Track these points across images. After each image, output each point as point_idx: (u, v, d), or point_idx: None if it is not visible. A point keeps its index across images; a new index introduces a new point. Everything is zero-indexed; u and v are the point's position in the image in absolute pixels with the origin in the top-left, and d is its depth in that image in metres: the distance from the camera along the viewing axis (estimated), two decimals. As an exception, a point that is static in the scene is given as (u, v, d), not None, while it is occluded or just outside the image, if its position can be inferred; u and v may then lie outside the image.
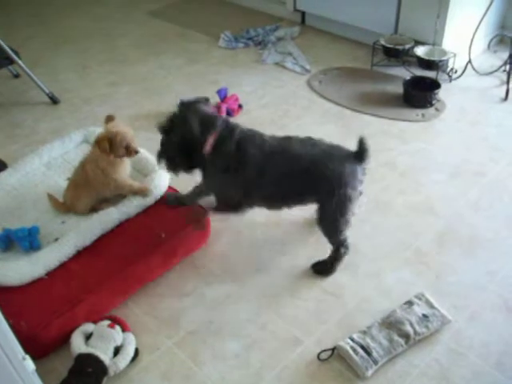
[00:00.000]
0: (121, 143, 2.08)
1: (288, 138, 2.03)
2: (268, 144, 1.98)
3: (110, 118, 2.18)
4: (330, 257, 2.13)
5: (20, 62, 3.23)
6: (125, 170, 2.19)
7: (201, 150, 1.93)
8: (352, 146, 2.69)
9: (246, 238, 2.32)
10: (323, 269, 2.14)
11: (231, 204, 2.13)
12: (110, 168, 2.13)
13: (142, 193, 2.19)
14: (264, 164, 1.95)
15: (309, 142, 2.01)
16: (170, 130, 1.96)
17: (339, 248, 2.09)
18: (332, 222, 2.03)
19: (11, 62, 3.25)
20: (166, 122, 1.97)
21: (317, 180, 1.95)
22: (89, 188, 2.15)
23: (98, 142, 2.07)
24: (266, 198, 2.08)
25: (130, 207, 2.15)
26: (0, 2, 4.86)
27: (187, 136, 1.92)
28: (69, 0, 4.87)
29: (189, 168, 2.04)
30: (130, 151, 2.12)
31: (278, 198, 2.07)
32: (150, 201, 2.20)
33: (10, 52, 3.17)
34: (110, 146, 2.06)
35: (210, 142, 1.93)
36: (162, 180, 2.27)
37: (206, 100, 2.06)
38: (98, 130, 2.54)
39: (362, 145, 1.95)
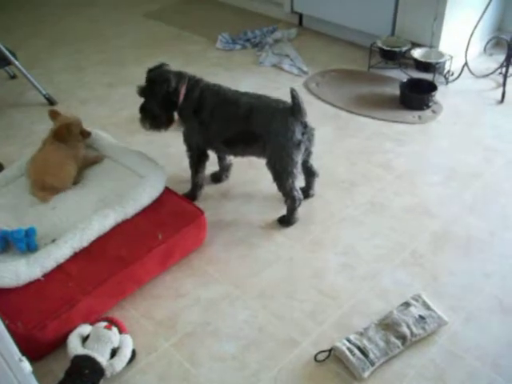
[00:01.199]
0: (76, 130, 2.38)
1: (244, 93, 2.29)
2: (223, 94, 2.26)
3: (55, 113, 2.44)
4: (286, 210, 2.35)
5: (17, 63, 3.23)
6: (83, 146, 2.46)
7: (177, 101, 2.25)
8: (348, 147, 2.70)
9: (242, 239, 2.32)
10: (282, 220, 2.38)
11: (196, 149, 2.39)
12: (75, 146, 2.40)
13: (96, 161, 2.46)
14: (214, 108, 2.24)
15: (257, 95, 2.26)
16: (149, 91, 2.26)
17: (286, 200, 2.31)
18: (273, 167, 2.24)
19: (8, 63, 3.25)
20: (145, 85, 2.28)
21: (253, 127, 2.20)
22: (69, 159, 2.33)
23: (57, 133, 2.34)
24: (221, 141, 2.31)
25: (127, 208, 2.15)
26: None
27: (168, 89, 2.22)
28: (65, 1, 4.87)
29: (168, 122, 2.33)
30: (85, 134, 2.45)
31: (230, 142, 2.30)
32: (146, 202, 2.20)
33: (7, 53, 3.17)
34: (69, 134, 2.35)
35: (182, 92, 2.25)
36: (159, 181, 2.27)
37: (166, 65, 2.38)
38: (96, 132, 2.55)
39: (293, 97, 2.12)
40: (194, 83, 2.28)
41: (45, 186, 2.27)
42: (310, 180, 2.47)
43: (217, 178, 2.62)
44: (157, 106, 2.26)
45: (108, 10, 4.69)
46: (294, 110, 2.14)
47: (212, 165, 2.54)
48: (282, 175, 2.23)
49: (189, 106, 2.26)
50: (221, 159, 2.57)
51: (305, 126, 2.18)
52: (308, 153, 2.31)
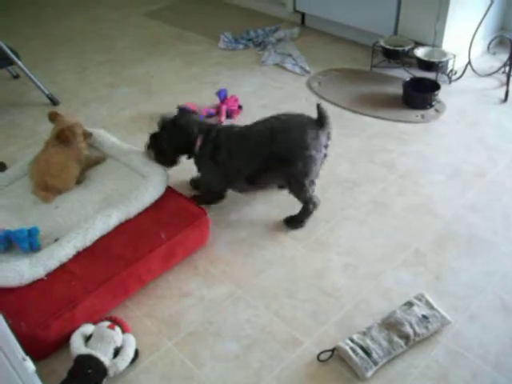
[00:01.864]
0: (78, 131, 2.38)
1: (254, 123, 2.28)
2: (235, 131, 2.27)
3: (55, 114, 2.44)
4: (299, 212, 2.34)
5: (20, 62, 3.23)
6: (86, 147, 2.44)
7: (191, 149, 2.26)
8: (351, 146, 2.70)
9: (245, 239, 2.32)
10: (293, 222, 2.36)
11: (216, 191, 2.40)
12: (81, 149, 2.40)
13: (98, 162, 2.46)
14: (231, 146, 2.23)
15: (271, 117, 2.24)
16: (169, 132, 2.25)
17: (307, 204, 2.30)
18: (298, 182, 2.23)
19: (11, 62, 3.25)
20: (168, 121, 2.27)
21: (280, 148, 2.16)
22: (69, 169, 2.32)
23: (60, 135, 2.33)
24: (244, 178, 2.27)
25: (130, 208, 2.15)
26: (0, 3, 4.87)
27: (185, 137, 2.24)
28: (68, 2, 4.88)
29: (174, 163, 2.35)
30: (86, 135, 2.44)
31: (253, 175, 2.26)
32: (149, 201, 2.20)
33: (10, 53, 3.17)
34: (72, 136, 2.34)
35: (198, 142, 2.25)
36: (161, 180, 2.27)
37: (196, 113, 2.44)
38: (98, 131, 2.55)
39: (320, 111, 2.17)
40: (208, 131, 2.26)
41: (47, 187, 2.27)
42: None
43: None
44: (169, 147, 2.27)
45: (110, 10, 4.69)
46: (323, 122, 2.17)
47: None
48: (306, 187, 2.24)
49: (205, 152, 2.26)
50: None
51: (329, 137, 2.25)
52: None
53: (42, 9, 4.77)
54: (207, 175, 2.36)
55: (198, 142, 2.25)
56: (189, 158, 2.33)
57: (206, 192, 2.43)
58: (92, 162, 2.45)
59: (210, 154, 2.25)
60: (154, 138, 2.31)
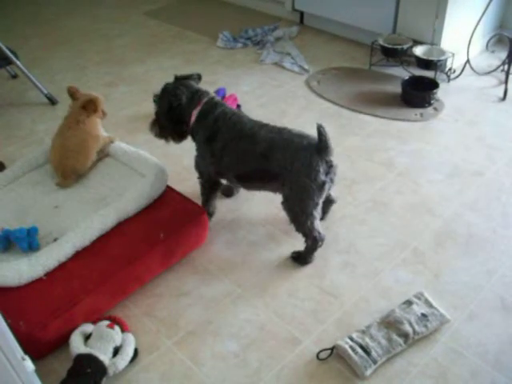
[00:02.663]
0: (100, 106, 2.47)
1: (263, 125, 2.10)
2: (240, 126, 2.08)
3: (74, 89, 2.48)
4: (304, 248, 2.18)
5: (18, 62, 3.23)
6: (101, 128, 2.51)
7: (185, 120, 2.15)
8: (350, 145, 2.70)
9: (243, 238, 2.32)
10: (298, 258, 2.20)
11: (207, 178, 2.27)
12: (97, 124, 2.46)
13: (111, 141, 2.49)
14: (229, 141, 2.08)
15: (278, 129, 2.07)
16: (161, 99, 2.17)
17: (306, 240, 2.14)
18: (290, 210, 2.08)
19: (9, 62, 3.25)
20: (160, 92, 2.19)
21: (272, 165, 2.02)
22: (88, 144, 2.38)
23: (87, 104, 2.40)
24: (234, 175, 2.16)
25: (129, 207, 2.15)
26: (-2, 2, 4.88)
27: (175, 105, 2.12)
28: (67, 1, 4.88)
29: (178, 137, 2.24)
30: (103, 113, 2.52)
31: (243, 176, 2.15)
32: (148, 200, 2.20)
33: (9, 53, 3.17)
34: (96, 108, 2.44)
35: (194, 114, 2.12)
36: (160, 180, 2.27)
37: (199, 76, 2.25)
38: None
39: (319, 134, 1.94)
40: (210, 108, 2.12)
41: (66, 170, 2.33)
42: (326, 206, 2.29)
43: (228, 192, 2.53)
44: (164, 118, 2.19)
45: (109, 9, 4.69)
46: (321, 147, 1.95)
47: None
48: (300, 217, 2.06)
49: (201, 132, 2.14)
50: None
51: (330, 165, 2.01)
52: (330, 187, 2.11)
53: (41, 8, 4.77)
54: (199, 157, 2.24)
55: (193, 116, 2.13)
56: (186, 130, 2.21)
57: (198, 176, 2.30)
58: (107, 140, 2.48)
59: (206, 138, 2.12)
60: (155, 113, 2.24)
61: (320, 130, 1.93)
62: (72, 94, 2.47)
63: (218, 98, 2.18)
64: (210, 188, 2.31)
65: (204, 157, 2.19)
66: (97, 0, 4.88)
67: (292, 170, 1.98)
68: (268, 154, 2.01)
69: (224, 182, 2.33)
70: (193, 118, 2.14)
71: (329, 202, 2.31)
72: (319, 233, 2.11)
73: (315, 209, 2.04)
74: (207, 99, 2.14)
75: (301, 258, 2.19)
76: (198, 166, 2.27)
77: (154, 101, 2.23)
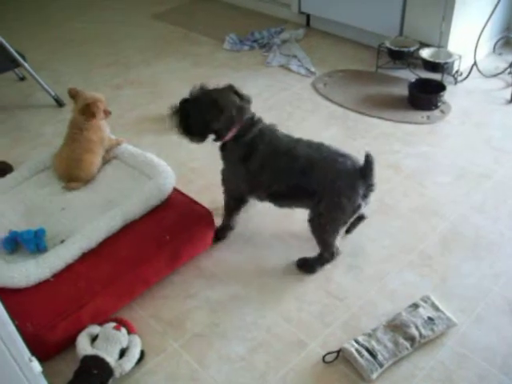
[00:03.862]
0: (101, 108, 2.43)
1: (298, 140, 2.08)
2: (276, 142, 2.04)
3: (75, 91, 2.47)
4: (314, 257, 2.16)
5: (26, 64, 3.24)
6: (106, 127, 2.51)
7: (222, 136, 2.04)
8: (356, 148, 2.70)
9: (250, 240, 2.32)
10: (304, 266, 2.18)
11: (236, 196, 2.22)
12: (100, 126, 2.45)
13: (118, 143, 2.52)
14: (266, 158, 2.03)
15: (315, 145, 2.05)
16: (198, 105, 2.01)
17: (324, 253, 2.13)
18: (321, 227, 2.06)
19: (17, 65, 3.26)
20: (200, 96, 2.01)
21: (311, 183, 1.99)
22: (92, 150, 2.39)
23: (86, 109, 2.39)
24: (268, 193, 2.12)
25: (136, 209, 2.15)
26: (7, 6, 4.90)
27: (216, 120, 1.98)
28: (74, 3, 4.90)
29: (204, 138, 2.08)
30: (107, 112, 2.49)
31: (278, 194, 2.10)
32: (155, 203, 2.20)
33: (17, 55, 3.18)
34: (97, 111, 2.40)
35: (234, 131, 2.03)
36: (167, 182, 2.27)
37: (232, 88, 2.07)
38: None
39: (367, 162, 1.96)
40: (250, 126, 2.04)
41: (72, 179, 2.35)
42: (356, 221, 2.25)
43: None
44: (197, 123, 2.03)
45: (116, 11, 4.70)
46: (366, 174, 1.96)
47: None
48: (328, 233, 2.06)
49: (236, 150, 2.06)
50: None
51: (370, 189, 2.01)
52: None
53: (48, 11, 4.79)
54: (231, 174, 2.17)
55: (232, 132, 2.03)
56: (216, 140, 2.09)
57: (225, 192, 2.25)
58: (114, 143, 2.50)
59: (242, 156, 2.05)
60: (183, 104, 2.05)
61: (368, 159, 1.95)
62: (73, 96, 2.47)
63: (256, 116, 2.08)
64: (236, 205, 2.26)
65: (237, 175, 2.12)
66: (104, 3, 4.90)
67: (333, 189, 1.96)
68: (308, 171, 1.98)
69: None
70: (230, 135, 2.04)
71: (359, 218, 2.25)
72: (337, 248, 2.13)
73: (343, 227, 2.08)
74: (249, 116, 2.05)
75: (308, 266, 2.17)
76: (227, 182, 2.21)
77: (181, 103, 2.05)
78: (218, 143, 2.11)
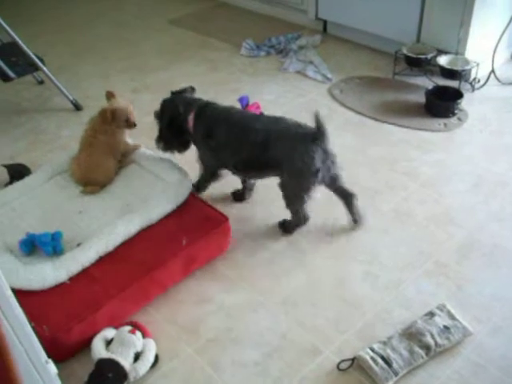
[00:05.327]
0: (120, 117, 2.42)
1: (257, 117, 2.29)
2: (234, 119, 2.24)
3: (111, 94, 2.49)
4: (289, 220, 2.34)
5: (45, 68, 3.27)
6: (125, 134, 2.52)
7: (186, 127, 2.30)
8: (372, 155, 2.69)
9: (265, 245, 2.32)
10: (282, 226, 2.38)
11: (212, 171, 2.42)
12: (117, 131, 2.46)
13: (136, 148, 2.56)
14: (225, 134, 2.23)
15: (274, 119, 2.22)
16: (162, 114, 2.34)
17: (293, 217, 2.30)
18: (286, 193, 2.22)
19: (36, 68, 3.29)
20: (160, 108, 2.36)
21: (271, 154, 2.14)
22: (109, 155, 2.42)
23: (101, 114, 2.40)
24: (235, 165, 2.29)
25: (152, 214, 2.16)
26: (26, 12, 4.96)
27: (175, 115, 2.28)
28: (93, 9, 4.94)
29: (181, 146, 2.41)
30: (130, 124, 2.47)
31: (243, 166, 2.28)
32: (171, 207, 2.21)
33: (36, 59, 3.21)
34: (112, 118, 2.39)
35: (191, 118, 2.28)
36: (184, 187, 2.28)
37: (192, 89, 2.42)
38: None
39: (316, 121, 2.05)
40: (203, 109, 2.28)
41: (89, 183, 2.38)
42: (349, 203, 2.31)
43: (239, 196, 2.57)
44: (167, 131, 2.35)
45: (135, 17, 4.74)
46: (317, 135, 2.07)
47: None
48: (292, 199, 2.23)
49: (199, 132, 2.29)
50: (244, 181, 2.52)
51: (325, 152, 2.11)
52: (334, 178, 2.22)
53: (68, 16, 4.84)
54: (202, 154, 2.39)
55: (190, 121, 2.28)
56: (189, 135, 2.35)
57: (204, 170, 2.45)
58: (131, 148, 2.54)
59: (205, 135, 2.28)
60: (159, 130, 2.40)
61: (317, 117, 2.04)
62: (108, 98, 2.49)
63: (208, 100, 2.34)
64: (212, 178, 2.46)
65: (205, 152, 2.35)
66: (122, 8, 4.94)
67: (289, 157, 2.11)
68: (267, 143, 2.14)
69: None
70: (190, 124, 2.29)
71: (348, 197, 2.31)
72: (304, 215, 2.27)
73: (307, 194, 2.18)
74: (199, 103, 2.31)
75: (285, 227, 2.36)
76: (203, 160, 2.42)
77: (156, 117, 2.38)
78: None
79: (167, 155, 2.48)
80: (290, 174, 2.15)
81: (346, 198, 2.31)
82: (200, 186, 2.49)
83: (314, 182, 2.14)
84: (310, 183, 2.14)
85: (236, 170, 2.33)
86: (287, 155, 2.11)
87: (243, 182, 2.52)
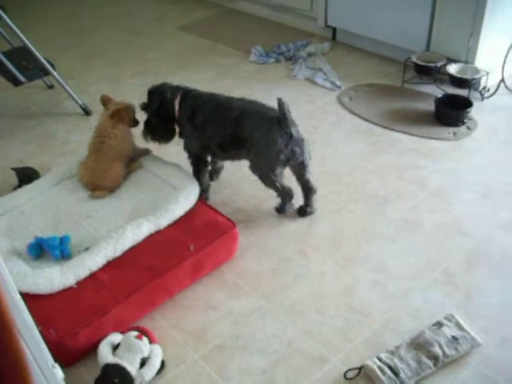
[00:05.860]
0: (132, 114, 2.51)
1: (239, 99, 2.39)
2: (216, 100, 2.38)
3: (107, 98, 2.53)
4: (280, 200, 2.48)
5: (55, 73, 3.29)
6: (132, 136, 2.56)
7: (173, 113, 2.40)
8: (380, 163, 2.68)
9: (273, 252, 2.32)
10: (278, 209, 2.51)
11: (197, 155, 2.49)
12: (126, 135, 2.49)
13: (145, 153, 2.59)
14: (208, 113, 2.35)
15: (252, 101, 2.36)
16: (148, 104, 2.45)
17: (277, 194, 2.42)
18: (255, 172, 2.35)
19: (47, 73, 3.31)
20: (148, 96, 2.45)
21: (243, 131, 2.28)
22: (117, 160, 2.43)
23: (114, 114, 2.44)
24: (217, 146, 2.38)
25: (161, 219, 2.16)
26: (38, 16, 4.99)
27: (163, 101, 2.40)
28: (103, 14, 4.97)
29: (169, 135, 2.51)
30: (135, 122, 2.55)
31: (225, 146, 2.37)
32: (180, 213, 2.21)
33: (46, 64, 3.23)
34: (127, 117, 2.48)
35: (177, 102, 2.40)
36: (192, 193, 2.28)
37: (168, 83, 2.51)
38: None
39: (279, 107, 2.18)
40: (187, 93, 2.42)
41: (98, 188, 2.38)
42: (307, 196, 2.46)
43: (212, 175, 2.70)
44: (155, 118, 2.43)
45: (144, 23, 4.77)
46: (280, 119, 2.19)
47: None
48: (264, 179, 2.35)
49: (184, 115, 2.40)
50: (213, 162, 2.65)
51: (290, 136, 2.21)
52: (301, 165, 2.33)
53: (78, 21, 4.87)
54: (187, 138, 2.47)
55: (176, 105, 2.40)
56: (176, 122, 2.46)
57: (188, 156, 2.52)
58: (141, 152, 2.57)
59: (188, 117, 2.38)
60: (144, 123, 2.48)
61: (280, 102, 2.17)
62: (105, 102, 2.52)
63: (189, 87, 2.48)
64: (200, 165, 2.52)
65: (190, 134, 2.43)
66: (132, 14, 4.97)
67: (254, 137, 2.25)
68: (240, 119, 2.27)
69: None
70: (177, 107, 2.40)
71: (309, 191, 2.45)
72: (283, 187, 2.37)
73: (274, 174, 2.30)
74: (184, 89, 2.45)
75: (279, 208, 2.49)
76: (187, 146, 2.50)
77: (142, 108, 2.48)
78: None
79: (175, 161, 2.49)
80: (255, 153, 2.29)
81: (309, 191, 2.44)
82: (197, 178, 2.48)
83: (277, 162, 2.26)
84: (272, 163, 2.26)
85: (219, 151, 2.41)
86: (252, 133, 2.25)
87: (212, 163, 2.63)
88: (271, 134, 2.20)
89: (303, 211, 2.49)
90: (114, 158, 2.42)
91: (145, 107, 2.48)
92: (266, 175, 2.32)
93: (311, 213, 2.49)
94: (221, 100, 2.38)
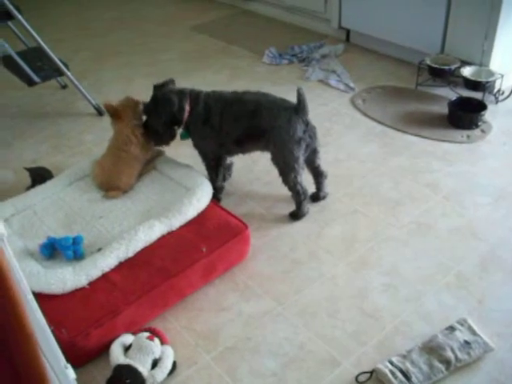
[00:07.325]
0: (141, 112, 2.47)
1: (245, 91, 2.41)
2: (225, 97, 2.39)
3: (110, 107, 2.43)
4: (295, 204, 2.48)
5: (69, 73, 3.30)
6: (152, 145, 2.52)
7: (182, 118, 2.37)
8: (393, 166, 2.67)
9: (285, 255, 2.31)
10: (292, 215, 2.50)
11: (212, 155, 2.50)
12: (150, 146, 2.49)
13: (159, 154, 2.58)
14: (222, 111, 2.35)
15: (262, 93, 2.40)
16: (153, 110, 2.39)
17: (293, 194, 2.43)
18: (277, 164, 2.37)
19: (61, 73, 3.33)
20: (150, 103, 2.40)
21: (260, 123, 2.31)
22: (133, 163, 2.43)
23: (131, 107, 2.43)
24: (234, 141, 2.40)
25: (173, 220, 2.17)
26: (52, 18, 5.03)
27: (173, 111, 2.34)
28: (116, 15, 5.00)
29: (170, 138, 2.46)
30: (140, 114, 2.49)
31: (241, 140, 2.39)
32: (192, 214, 2.22)
33: (60, 64, 3.25)
34: (124, 112, 2.43)
35: (187, 109, 2.36)
36: (205, 194, 2.29)
37: (173, 81, 2.48)
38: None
39: (299, 96, 2.26)
40: (196, 97, 2.39)
41: (112, 188, 2.38)
42: (319, 181, 2.56)
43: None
44: (161, 125, 2.39)
45: (158, 24, 4.78)
46: (299, 108, 2.27)
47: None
48: (285, 170, 2.35)
49: (197, 120, 2.38)
50: (223, 159, 2.61)
51: (306, 123, 2.30)
52: (313, 151, 2.41)
53: (91, 22, 4.90)
54: (201, 141, 2.47)
55: (187, 109, 2.36)
56: (179, 126, 2.43)
57: (203, 159, 2.54)
58: (155, 154, 2.56)
59: (203, 119, 2.37)
60: (144, 125, 2.45)
61: (299, 92, 2.25)
62: (111, 112, 2.44)
63: (195, 88, 2.45)
64: (215, 165, 2.53)
65: (205, 136, 2.43)
66: (145, 15, 4.99)
67: (275, 127, 2.27)
68: (256, 112, 2.31)
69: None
70: (186, 114, 2.37)
71: (320, 176, 2.54)
72: (302, 187, 2.39)
73: (297, 163, 2.32)
74: (190, 92, 2.40)
75: (294, 214, 2.49)
76: (201, 149, 2.51)
77: (145, 112, 2.43)
78: (181, 131, 2.46)
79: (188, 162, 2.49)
80: (277, 142, 2.30)
81: (320, 175, 2.54)
82: (212, 181, 2.47)
83: (299, 149, 2.30)
84: (295, 151, 2.29)
85: (234, 146, 2.43)
86: (272, 124, 2.28)
87: (219, 165, 2.56)
88: (292, 122, 2.26)
89: (316, 196, 2.57)
90: (132, 164, 2.42)
91: (148, 111, 2.42)
92: (291, 165, 2.32)
93: (324, 197, 2.58)
94: (230, 96, 2.39)
